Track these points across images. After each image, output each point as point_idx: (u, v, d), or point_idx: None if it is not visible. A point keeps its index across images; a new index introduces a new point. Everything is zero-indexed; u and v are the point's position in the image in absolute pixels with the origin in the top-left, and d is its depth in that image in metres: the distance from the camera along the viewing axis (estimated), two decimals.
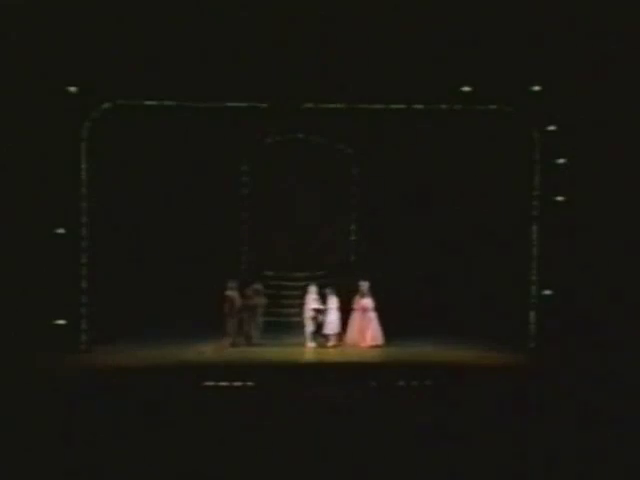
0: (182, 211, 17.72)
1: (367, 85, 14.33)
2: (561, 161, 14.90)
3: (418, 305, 16.80)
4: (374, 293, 15.69)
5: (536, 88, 14.56)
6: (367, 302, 15.61)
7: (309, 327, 15.50)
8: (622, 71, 13.98)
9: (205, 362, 13.69)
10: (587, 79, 14.03)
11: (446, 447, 8.62)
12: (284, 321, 17.00)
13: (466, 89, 14.53)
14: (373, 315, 15.62)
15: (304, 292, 15.91)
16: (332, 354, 14.88)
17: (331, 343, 15.60)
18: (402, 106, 14.98)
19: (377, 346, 15.45)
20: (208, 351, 14.68)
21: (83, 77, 14.06)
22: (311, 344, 15.45)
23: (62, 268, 14.38)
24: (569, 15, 13.55)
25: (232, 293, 15.32)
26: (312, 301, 15.56)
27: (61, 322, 14.38)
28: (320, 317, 15.53)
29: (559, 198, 14.98)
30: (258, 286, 16.03)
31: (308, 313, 15.50)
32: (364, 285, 15.76)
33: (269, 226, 18.71)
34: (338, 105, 14.94)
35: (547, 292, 15.03)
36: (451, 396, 11.38)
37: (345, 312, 15.85)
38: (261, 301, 15.87)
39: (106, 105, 14.54)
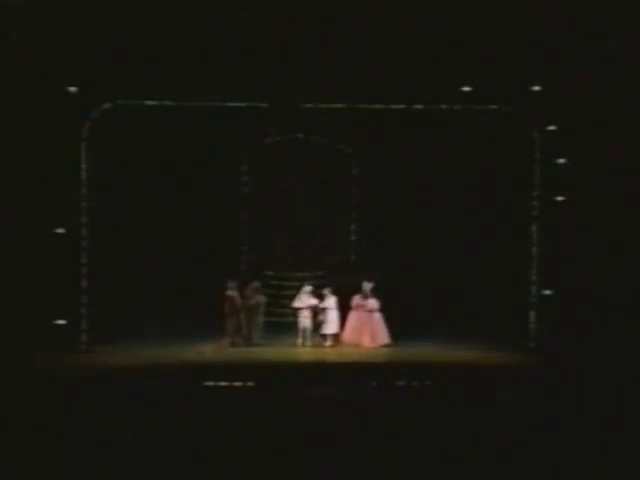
0: (182, 211, 17.73)
1: (367, 85, 14.32)
2: (561, 161, 14.90)
3: (418, 305, 16.81)
4: (375, 293, 15.69)
5: (536, 88, 14.56)
6: (373, 302, 15.61)
7: (301, 324, 15.51)
8: (622, 71, 13.97)
9: (205, 362, 13.69)
10: (587, 79, 14.03)
11: (446, 447, 8.62)
12: (284, 321, 17.00)
13: (466, 89, 14.53)
14: (379, 315, 15.64)
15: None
16: (332, 354, 14.88)
17: (329, 343, 15.60)
18: (402, 106, 14.98)
19: (385, 345, 15.48)
20: (208, 351, 14.68)
21: (83, 77, 14.06)
22: (299, 341, 15.45)
23: (62, 268, 14.37)
24: (569, 15, 13.54)
25: (232, 293, 15.32)
26: (297, 300, 15.61)
27: (61, 322, 14.38)
28: (321, 317, 15.54)
29: (559, 198, 14.98)
30: (257, 284, 16.03)
31: (301, 312, 15.51)
32: (367, 286, 15.76)
33: (269, 226, 18.72)
34: (338, 105, 14.95)
35: (547, 292, 15.03)
36: (451, 396, 11.38)
37: (345, 312, 15.88)
38: (261, 299, 15.86)
39: (106, 105, 14.54)
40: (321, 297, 15.70)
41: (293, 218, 18.62)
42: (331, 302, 15.61)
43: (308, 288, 15.77)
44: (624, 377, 12.22)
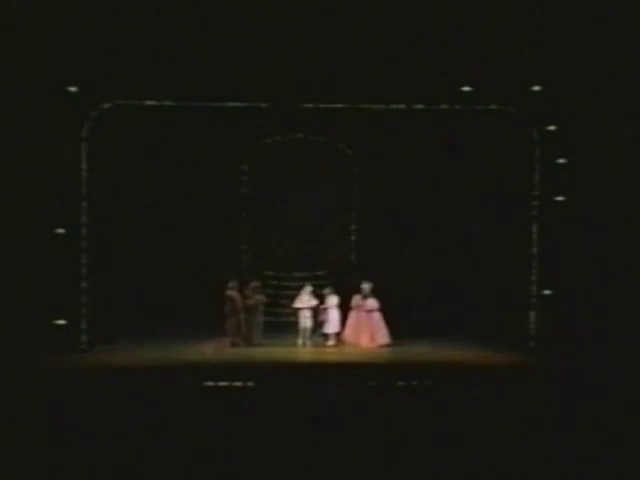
0: (182, 211, 17.74)
1: (367, 85, 14.32)
2: (561, 161, 14.90)
3: (418, 305, 16.81)
4: (374, 293, 15.70)
5: (536, 88, 14.56)
6: (372, 303, 15.60)
7: (301, 324, 15.50)
8: (622, 71, 13.97)
9: (205, 362, 13.70)
10: (587, 79, 14.03)
11: (446, 447, 8.62)
12: (284, 321, 17.01)
13: (466, 89, 14.53)
14: (378, 315, 15.64)
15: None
16: (332, 354, 14.88)
17: (331, 342, 15.61)
18: (402, 106, 14.99)
19: (385, 345, 15.48)
20: (208, 351, 14.68)
21: (83, 77, 14.06)
22: (300, 341, 15.45)
23: (62, 268, 14.37)
24: (569, 15, 13.54)
25: (232, 293, 15.32)
26: (298, 300, 15.61)
27: (61, 322, 14.38)
28: (322, 316, 15.55)
29: (559, 198, 14.98)
30: (256, 283, 16.05)
31: (302, 312, 15.51)
32: (366, 286, 15.76)
33: (269, 226, 18.72)
34: (338, 105, 14.95)
35: (547, 292, 15.04)
36: (451, 396, 11.38)
37: (345, 311, 15.89)
38: (260, 299, 15.86)
39: (106, 105, 14.55)
40: (322, 297, 15.71)
41: (293, 218, 18.62)
42: (333, 302, 15.62)
43: (309, 288, 15.77)
44: (624, 377, 12.22)
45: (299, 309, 15.60)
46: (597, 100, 14.13)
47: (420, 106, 14.99)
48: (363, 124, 16.64)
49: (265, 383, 12.09)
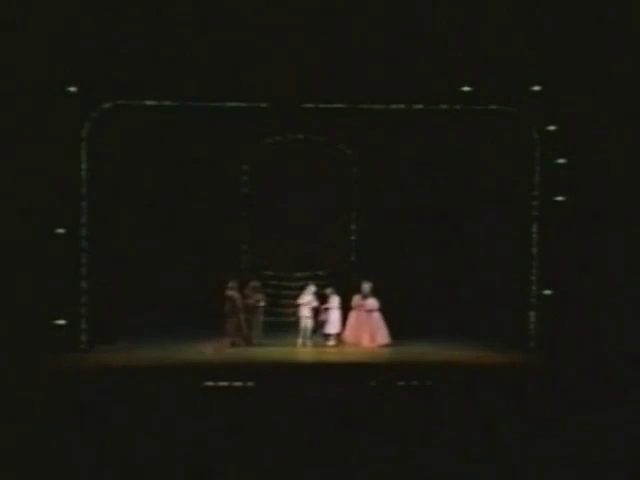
0: (182, 211, 17.74)
1: (367, 85, 14.33)
2: (561, 161, 14.90)
3: (418, 305, 16.81)
4: (374, 293, 15.70)
5: (536, 88, 14.57)
6: (372, 302, 15.60)
7: (302, 324, 15.49)
8: (622, 71, 13.97)
9: (205, 362, 13.70)
10: (587, 79, 14.03)
11: (446, 447, 8.62)
12: (284, 321, 17.01)
13: (466, 89, 14.53)
14: (378, 315, 15.64)
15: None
16: (332, 354, 14.88)
17: (332, 342, 15.62)
18: (402, 106, 15.00)
19: (385, 345, 15.47)
20: (208, 351, 14.68)
21: (83, 77, 14.06)
22: (300, 341, 15.44)
23: (62, 268, 14.37)
24: (569, 15, 13.54)
25: (232, 293, 15.32)
26: (300, 299, 15.62)
27: (61, 322, 14.38)
28: (322, 316, 15.55)
29: (559, 198, 14.98)
30: (256, 283, 16.06)
31: (303, 312, 15.51)
32: (366, 286, 15.76)
33: (269, 226, 18.72)
34: (338, 105, 14.96)
35: (547, 292, 15.04)
36: (451, 396, 11.38)
37: (346, 311, 15.89)
38: (260, 299, 15.86)
39: (106, 105, 14.55)
40: (323, 298, 15.70)
41: (293, 218, 18.62)
42: (334, 302, 15.62)
43: (313, 288, 15.75)
44: (624, 377, 12.22)
45: (301, 305, 15.55)
46: (597, 100, 14.13)
47: (420, 106, 14.99)
48: (363, 124, 16.64)
49: (265, 383, 12.10)
